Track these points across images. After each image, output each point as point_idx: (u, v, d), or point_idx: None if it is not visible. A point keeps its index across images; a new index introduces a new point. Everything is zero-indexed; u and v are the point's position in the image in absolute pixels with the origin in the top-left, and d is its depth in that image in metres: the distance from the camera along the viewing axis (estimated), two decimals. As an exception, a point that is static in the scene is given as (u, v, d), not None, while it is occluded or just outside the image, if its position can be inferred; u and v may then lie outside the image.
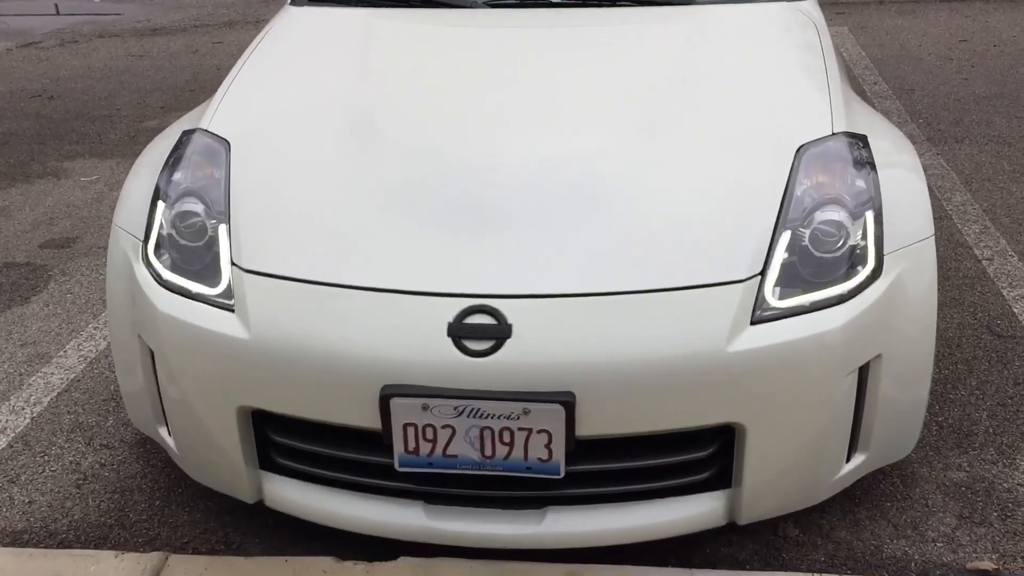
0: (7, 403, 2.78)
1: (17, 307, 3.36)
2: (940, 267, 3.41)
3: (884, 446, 2.13)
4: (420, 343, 1.87)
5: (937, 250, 3.53)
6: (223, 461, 2.09)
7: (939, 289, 3.26)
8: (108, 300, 2.29)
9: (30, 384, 2.87)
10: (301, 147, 2.27)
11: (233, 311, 2.00)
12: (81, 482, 2.44)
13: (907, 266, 2.06)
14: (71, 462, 2.51)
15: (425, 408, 1.86)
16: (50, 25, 8.39)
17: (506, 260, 1.94)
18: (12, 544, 2.22)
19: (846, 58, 6.31)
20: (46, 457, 2.54)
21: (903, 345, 2.04)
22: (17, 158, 4.93)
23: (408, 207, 2.06)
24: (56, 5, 9.20)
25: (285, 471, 2.10)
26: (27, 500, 2.37)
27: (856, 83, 5.74)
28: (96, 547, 2.21)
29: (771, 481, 2.00)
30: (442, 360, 1.86)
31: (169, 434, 2.22)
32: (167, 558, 2.08)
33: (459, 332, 1.86)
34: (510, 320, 1.86)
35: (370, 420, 1.90)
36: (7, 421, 2.69)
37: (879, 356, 2.01)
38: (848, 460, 2.09)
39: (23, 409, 2.74)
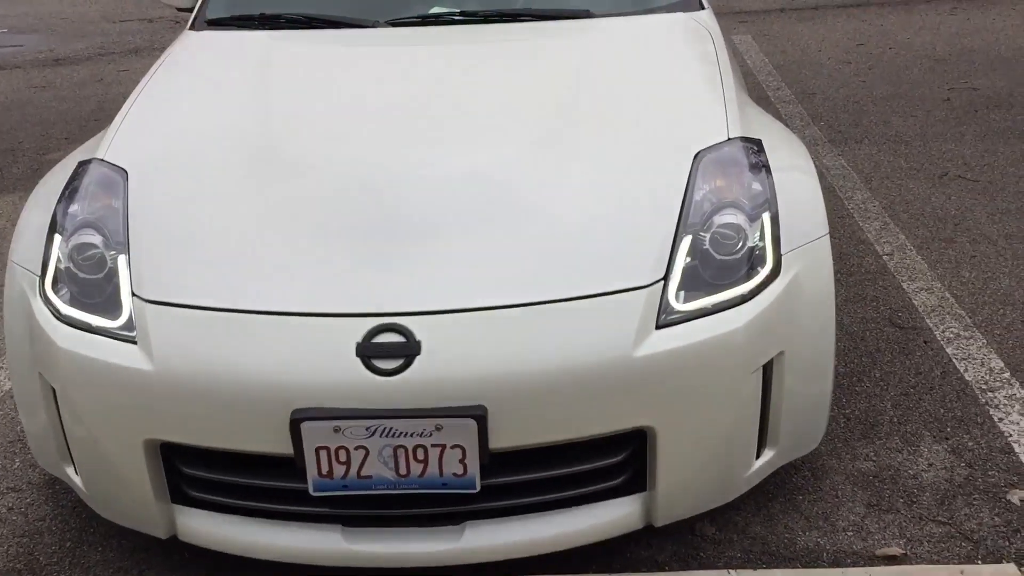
0: (-94, 451, 2.67)
1: (-85, 351, 3.23)
2: (842, 264, 3.52)
3: (792, 440, 2.19)
4: (329, 365, 1.86)
5: (839, 247, 3.65)
6: (133, 497, 2.05)
7: (842, 285, 3.36)
8: (7, 338, 2.22)
9: (-69, 430, 2.77)
10: (200, 173, 2.25)
11: (135, 343, 1.96)
12: (-13, 528, 2.36)
13: (804, 264, 2.12)
14: (-24, 508, 2.43)
15: (337, 430, 1.85)
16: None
17: (412, 277, 1.95)
18: (-86, 597, 2.14)
19: (749, 65, 6.48)
20: (-51, 504, 2.45)
21: (804, 341, 2.10)
22: (-87, 196, 4.76)
23: (310, 229, 2.06)
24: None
25: (198, 503, 2.07)
26: (-71, 550, 2.29)
27: (760, 89, 5.89)
28: (5, 594, 2.14)
29: (685, 482, 2.04)
30: (352, 381, 1.85)
31: (76, 473, 2.16)
32: (79, 600, 2.02)
33: (368, 352, 1.86)
34: (419, 337, 1.87)
35: (282, 445, 1.88)
36: (-94, 469, 2.58)
37: (782, 353, 2.06)
38: (758, 456, 2.14)
39: (-76, 456, 2.64)
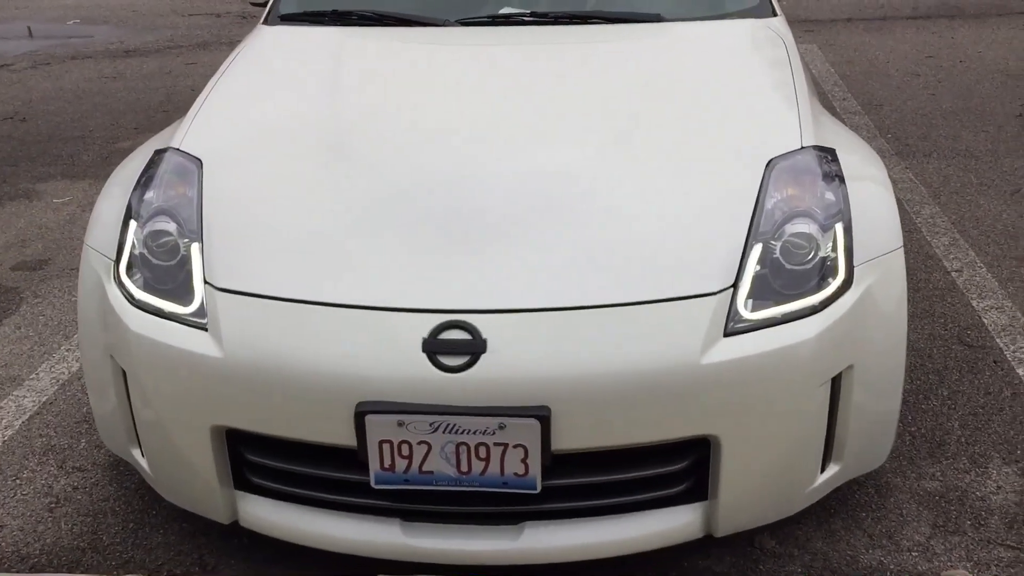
0: (-23, 427, 2.74)
1: (-12, 330, 3.32)
2: (910, 279, 3.45)
3: (858, 457, 2.15)
4: (394, 359, 1.87)
5: (907, 262, 3.57)
6: (197, 481, 2.08)
7: (910, 301, 3.29)
8: (80, 321, 2.27)
9: (1, 407, 2.84)
10: (273, 164, 2.27)
11: (206, 330, 1.99)
12: (54, 505, 2.41)
13: (877, 277, 2.08)
14: (43, 485, 2.48)
15: (400, 424, 1.85)
16: (22, 48, 8.34)
17: (480, 275, 1.95)
18: (-17, 569, 2.19)
19: (815, 74, 6.39)
20: (18, 481, 2.50)
21: (875, 356, 2.06)
22: (-12, 181, 4.89)
23: (381, 223, 2.07)
24: (29, 28, 9.14)
25: (260, 490, 2.09)
26: (-2, 525, 2.35)
27: (826, 99, 5.81)
28: (68, 571, 2.18)
29: (747, 492, 2.01)
30: (417, 376, 1.86)
31: (142, 455, 2.20)
32: (141, 581, 2.06)
33: (434, 348, 1.86)
34: (485, 335, 1.87)
35: (345, 437, 1.90)
36: (-23, 445, 2.65)
37: (851, 367, 2.03)
38: (822, 471, 2.11)
39: (-6, 433, 2.71)
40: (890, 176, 4.46)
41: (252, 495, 2.10)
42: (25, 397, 2.89)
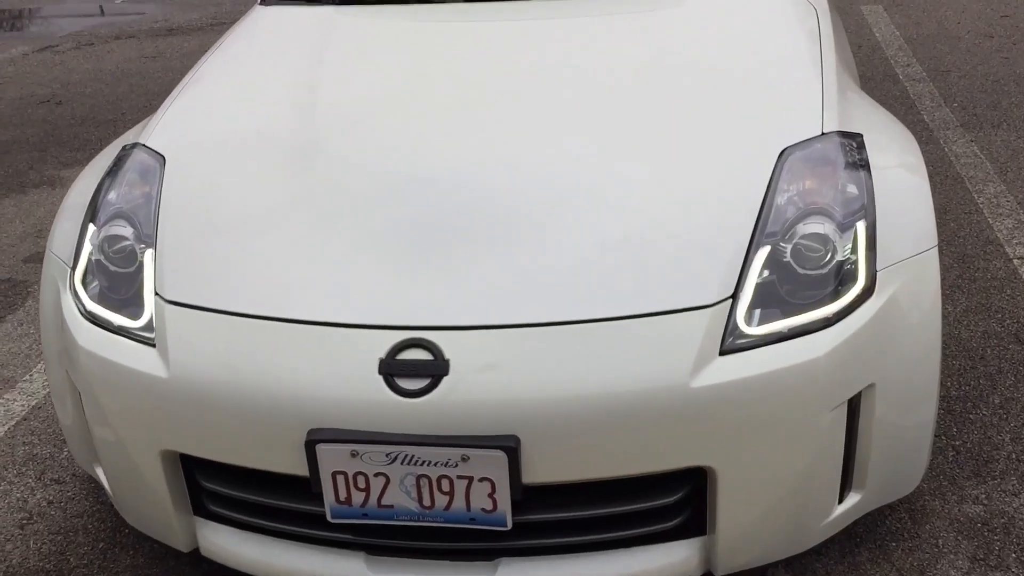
0: (-37, 433, 2.65)
1: (-9, 327, 3.24)
2: (965, 267, 3.14)
3: (883, 483, 1.90)
4: (349, 382, 1.68)
5: (963, 248, 3.27)
6: (154, 507, 1.93)
7: (963, 292, 2.99)
8: (41, 330, 2.14)
9: (-10, 411, 2.75)
10: (237, 165, 2.10)
11: (154, 346, 1.83)
12: (26, 522, 2.30)
13: (905, 282, 1.82)
14: (18, 499, 2.38)
15: (355, 455, 1.67)
16: (70, 27, 8.34)
17: (445, 288, 1.75)
18: (-57, 593, 2.09)
19: (878, 38, 5.99)
20: (-7, 493, 2.41)
21: (901, 372, 1.81)
22: (15, 167, 4.84)
23: (346, 232, 1.87)
24: (101, 7, 9.15)
25: (220, 518, 1.93)
26: (-34, 542, 2.24)
27: (887, 65, 5.43)
28: (28, 597, 2.07)
29: (750, 527, 1.78)
30: (373, 400, 1.67)
31: (103, 474, 2.07)
32: (95, 612, 1.93)
33: (391, 369, 1.67)
34: (447, 355, 1.67)
35: (297, 467, 1.72)
36: (-41, 453, 2.56)
37: (872, 386, 1.78)
38: (841, 501, 1.87)
39: (-22, 440, 2.62)
40: (952, 150, 4.14)
41: (212, 523, 1.94)
42: (15, 400, 2.79)
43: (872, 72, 5.30)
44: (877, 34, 6.09)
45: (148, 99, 5.90)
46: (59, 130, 5.42)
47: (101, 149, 4.95)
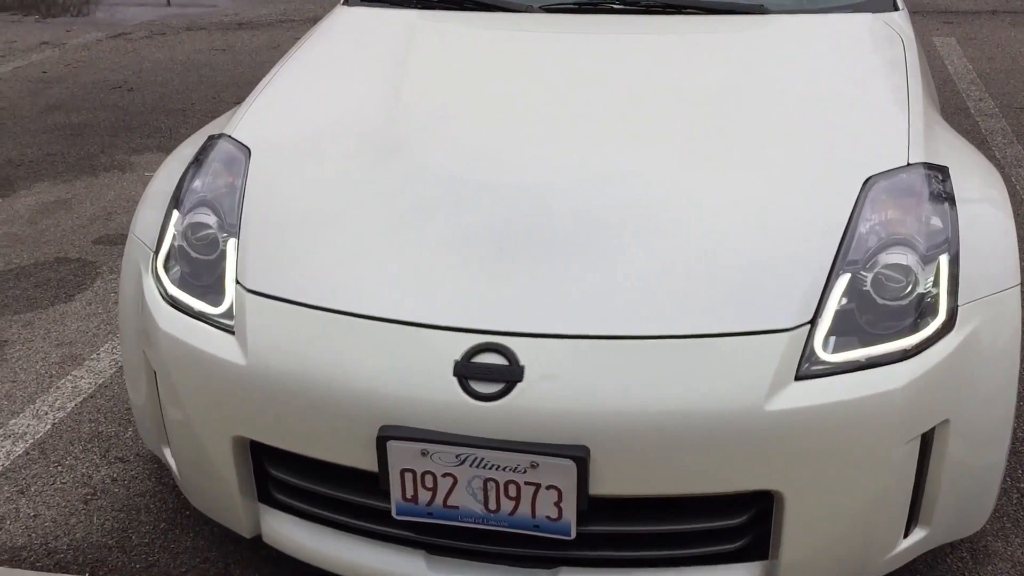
0: (32, 406, 2.72)
1: (61, 304, 3.32)
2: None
3: (950, 521, 1.88)
4: (423, 381, 1.70)
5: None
6: (220, 491, 1.96)
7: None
8: (120, 311, 2.19)
9: (58, 387, 2.81)
10: (324, 159, 2.13)
11: (234, 333, 1.86)
12: (90, 497, 2.35)
13: (985, 319, 1.80)
14: (83, 475, 2.43)
15: (424, 454, 1.69)
16: (144, 16, 8.51)
17: (524, 294, 1.76)
18: (9, 561, 2.14)
19: (950, 71, 5.92)
20: (60, 468, 2.46)
21: (976, 410, 1.79)
22: (88, 150, 4.95)
23: (428, 232, 1.90)
24: None
25: (284, 507, 1.96)
26: (33, 514, 2.29)
27: (959, 99, 5.36)
28: (92, 572, 2.11)
29: (814, 555, 1.77)
30: (445, 401, 1.69)
31: (171, 456, 2.11)
32: (156, 591, 1.96)
33: (466, 372, 1.69)
34: (522, 361, 1.68)
35: (366, 462, 1.74)
36: (28, 426, 2.62)
37: (946, 421, 1.76)
38: (906, 535, 1.85)
39: (46, 414, 2.68)
40: None
41: (276, 510, 1.97)
42: (83, 378, 2.85)
43: (944, 105, 5.24)
44: (950, 67, 6.02)
45: (217, 90, 6.00)
46: (130, 116, 5.53)
47: (171, 137, 5.05)
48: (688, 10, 2.65)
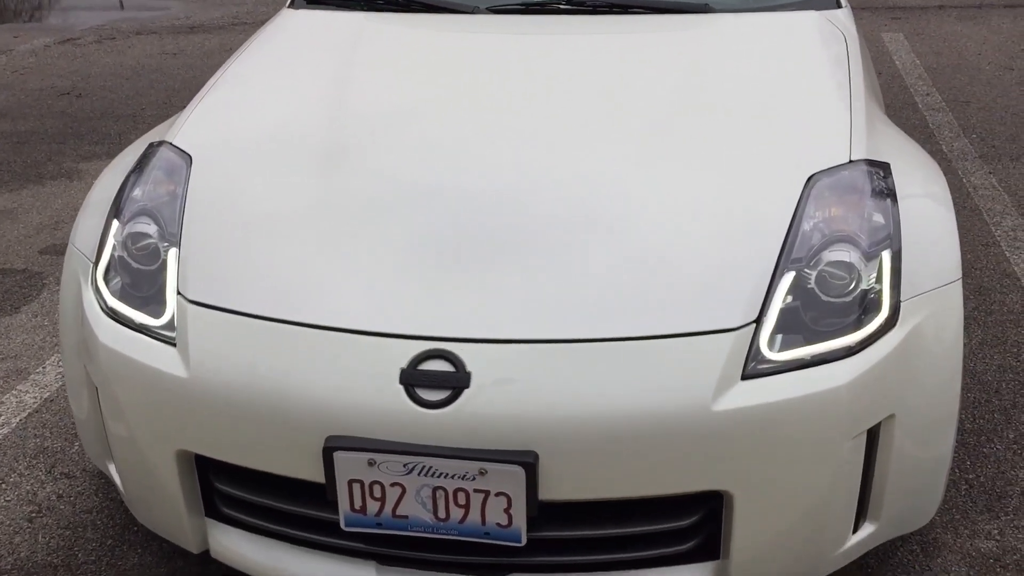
0: (-25, 422, 2.66)
1: (5, 317, 3.25)
2: (982, 299, 3.13)
3: (898, 515, 1.89)
4: (369, 390, 1.68)
5: (979, 280, 3.26)
6: (166, 506, 1.93)
7: (979, 325, 2.98)
8: (60, 323, 2.14)
9: (2, 403, 2.75)
10: (266, 166, 2.10)
11: (175, 345, 1.83)
12: (35, 515, 2.30)
13: (928, 314, 1.82)
14: (28, 492, 2.38)
15: (372, 464, 1.67)
16: (92, 20, 8.37)
17: (469, 299, 1.75)
18: (-50, 583, 2.09)
19: (898, 66, 5.99)
20: (3, 485, 2.40)
21: (921, 404, 1.81)
22: (34, 158, 4.86)
23: (372, 238, 1.87)
24: (121, 1, 9.17)
25: (232, 521, 1.93)
26: (-25, 533, 2.24)
27: (907, 94, 5.43)
28: (35, 591, 2.07)
29: (764, 554, 1.78)
30: (392, 410, 1.67)
31: (116, 471, 2.06)
32: (102, 610, 1.92)
33: (412, 379, 1.67)
34: (469, 368, 1.67)
35: (313, 473, 1.72)
36: (-30, 443, 2.56)
37: (892, 416, 1.77)
38: (855, 531, 1.86)
39: (-10, 430, 2.62)
40: (970, 181, 4.14)
41: (224, 525, 1.94)
42: (27, 392, 2.79)
43: (892, 100, 5.30)
44: (898, 62, 6.10)
45: (168, 95, 5.92)
46: (78, 123, 5.43)
47: (120, 143, 4.97)
48: (634, 10, 2.65)
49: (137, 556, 2.16)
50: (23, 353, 3.02)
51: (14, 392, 2.80)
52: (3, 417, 2.68)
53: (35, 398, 2.76)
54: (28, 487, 2.39)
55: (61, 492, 2.37)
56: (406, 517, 1.71)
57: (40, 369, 2.92)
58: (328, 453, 1.67)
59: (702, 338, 1.69)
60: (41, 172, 4.65)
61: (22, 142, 5.11)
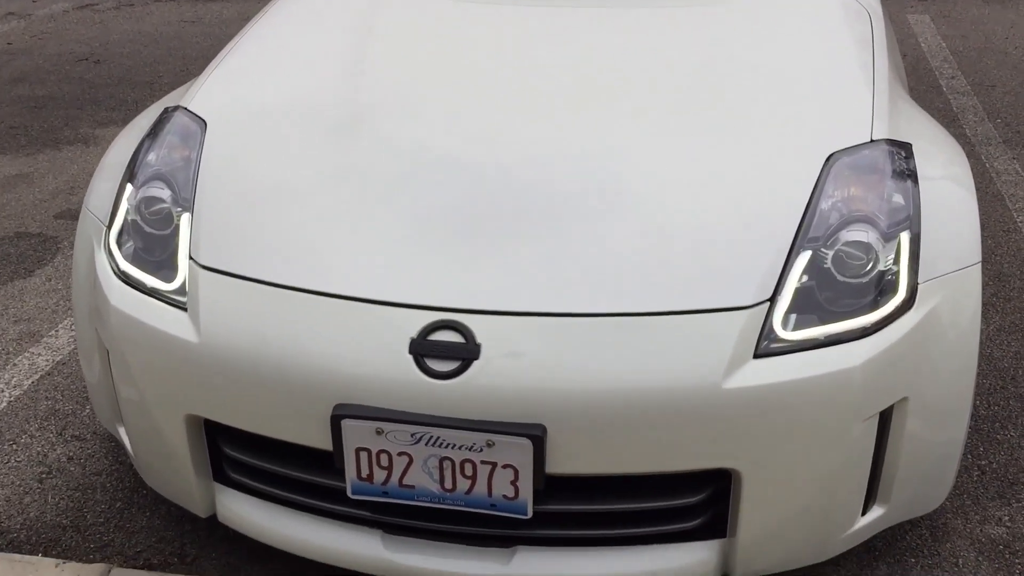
0: (-12, 383, 2.67)
1: (20, 280, 3.26)
2: (1001, 285, 3.10)
3: (908, 499, 1.88)
4: (378, 359, 1.68)
5: (999, 266, 3.22)
6: (175, 470, 1.93)
7: (997, 312, 2.95)
8: (73, 286, 2.15)
9: (15, 364, 2.76)
10: (281, 134, 2.08)
11: (186, 310, 1.83)
12: (44, 476, 2.31)
13: (945, 297, 1.79)
14: (38, 453, 2.39)
15: (379, 432, 1.67)
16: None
17: (481, 271, 1.73)
18: (-39, 541, 2.10)
19: (924, 49, 5.91)
20: (15, 446, 2.41)
21: (935, 388, 1.79)
22: (51, 123, 4.86)
23: (386, 208, 1.86)
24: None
25: (239, 486, 1.93)
26: (-14, 492, 2.26)
27: (932, 76, 5.36)
28: (44, 551, 2.08)
29: (772, 533, 1.77)
30: (401, 379, 1.66)
31: (125, 434, 2.07)
32: (109, 571, 1.93)
33: (421, 349, 1.66)
34: (479, 339, 1.66)
35: (321, 440, 1.72)
36: (-17, 404, 2.58)
37: (905, 399, 1.75)
38: (864, 513, 1.85)
39: (2, 392, 2.63)
40: (993, 166, 4.08)
41: (231, 490, 1.94)
42: (40, 355, 2.80)
43: (916, 83, 5.23)
44: (923, 45, 6.01)
45: (185, 63, 5.91)
46: (95, 89, 5.43)
47: (136, 110, 4.96)
48: (656, -16, 2.61)
49: (145, 519, 2.17)
50: (36, 316, 3.03)
51: (27, 355, 2.81)
52: (15, 379, 2.69)
53: (47, 361, 2.78)
54: (39, 449, 2.41)
55: (71, 454, 2.38)
56: (412, 487, 1.71)
57: (53, 332, 2.93)
58: (336, 421, 1.67)
59: (715, 315, 1.67)
60: (58, 137, 4.65)
61: (39, 107, 5.12)
